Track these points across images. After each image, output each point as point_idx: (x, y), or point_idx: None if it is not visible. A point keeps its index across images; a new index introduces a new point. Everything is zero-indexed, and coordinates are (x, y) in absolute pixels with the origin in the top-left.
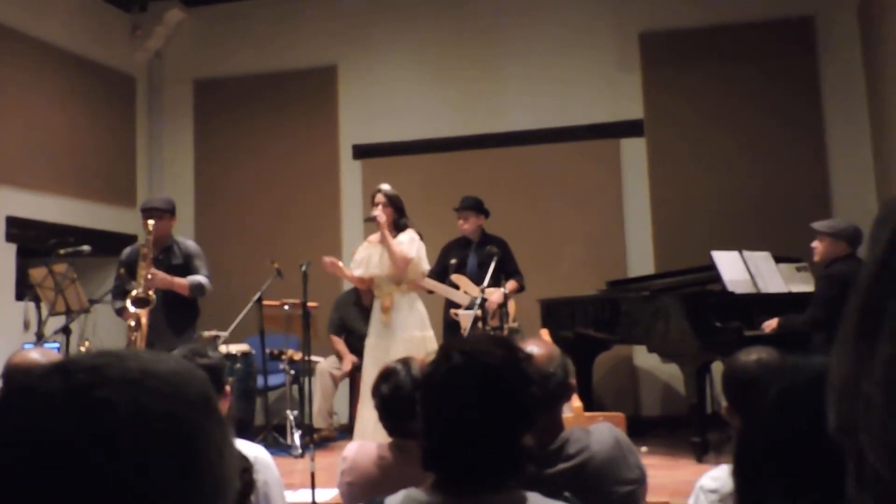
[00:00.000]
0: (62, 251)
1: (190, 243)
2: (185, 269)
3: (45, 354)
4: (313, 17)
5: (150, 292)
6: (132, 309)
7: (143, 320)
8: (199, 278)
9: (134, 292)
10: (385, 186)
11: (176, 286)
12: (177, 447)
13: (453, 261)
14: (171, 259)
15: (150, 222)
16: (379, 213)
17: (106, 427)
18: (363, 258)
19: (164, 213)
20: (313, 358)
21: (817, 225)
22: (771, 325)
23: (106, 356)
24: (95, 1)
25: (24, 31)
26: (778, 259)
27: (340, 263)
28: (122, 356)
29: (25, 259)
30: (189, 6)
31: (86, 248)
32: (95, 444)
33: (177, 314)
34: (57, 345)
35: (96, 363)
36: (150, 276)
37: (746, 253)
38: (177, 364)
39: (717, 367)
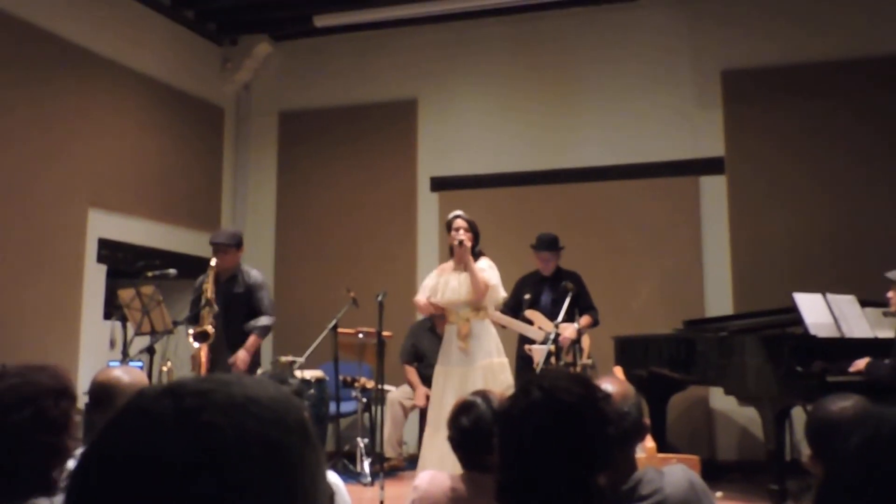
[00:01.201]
0: (150, 274)
1: (254, 273)
2: (246, 297)
3: (128, 372)
4: (395, 52)
5: (209, 328)
6: (193, 343)
7: (203, 356)
8: (262, 322)
9: (191, 330)
10: (462, 213)
11: (253, 350)
12: (277, 470)
13: (527, 296)
14: (233, 288)
15: (213, 261)
16: (466, 237)
17: (212, 449)
18: (434, 285)
19: (229, 247)
20: (385, 387)
21: (891, 274)
22: (858, 365)
23: (212, 382)
24: (189, 34)
25: (121, 62)
26: (864, 303)
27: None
28: (227, 382)
29: (113, 280)
30: (277, 40)
31: (172, 271)
32: (202, 465)
33: (236, 334)
34: (140, 364)
35: (204, 388)
36: (233, 362)
37: (830, 296)
38: (276, 391)
39: (797, 413)
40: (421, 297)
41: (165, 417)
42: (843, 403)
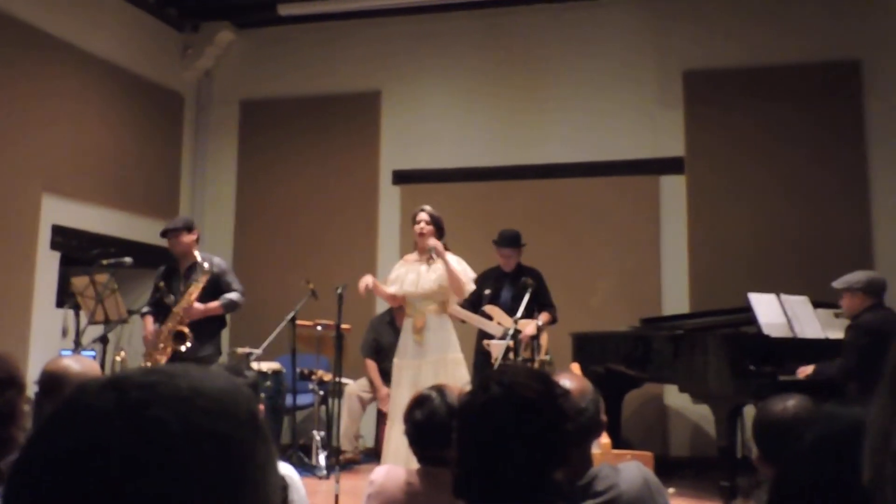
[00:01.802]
0: (104, 262)
1: (217, 259)
2: (212, 284)
3: (79, 362)
4: (359, 43)
5: (187, 329)
6: (180, 348)
7: (164, 358)
8: (231, 296)
9: (144, 310)
10: (427, 207)
11: (211, 312)
12: (224, 465)
13: (487, 291)
14: (196, 276)
15: (206, 265)
16: (436, 243)
17: (157, 444)
18: (397, 276)
19: (178, 231)
20: (343, 380)
21: (836, 283)
22: (806, 371)
23: (158, 374)
24: (149, 19)
25: (79, 45)
26: (816, 304)
27: (373, 281)
28: (173, 374)
29: (67, 267)
30: (239, 28)
31: (127, 259)
32: (147, 461)
33: (202, 324)
34: (93, 353)
35: (149, 381)
36: (186, 307)
37: (784, 296)
38: (225, 382)
39: (749, 410)
40: (391, 289)
41: (108, 412)
42: (784, 404)
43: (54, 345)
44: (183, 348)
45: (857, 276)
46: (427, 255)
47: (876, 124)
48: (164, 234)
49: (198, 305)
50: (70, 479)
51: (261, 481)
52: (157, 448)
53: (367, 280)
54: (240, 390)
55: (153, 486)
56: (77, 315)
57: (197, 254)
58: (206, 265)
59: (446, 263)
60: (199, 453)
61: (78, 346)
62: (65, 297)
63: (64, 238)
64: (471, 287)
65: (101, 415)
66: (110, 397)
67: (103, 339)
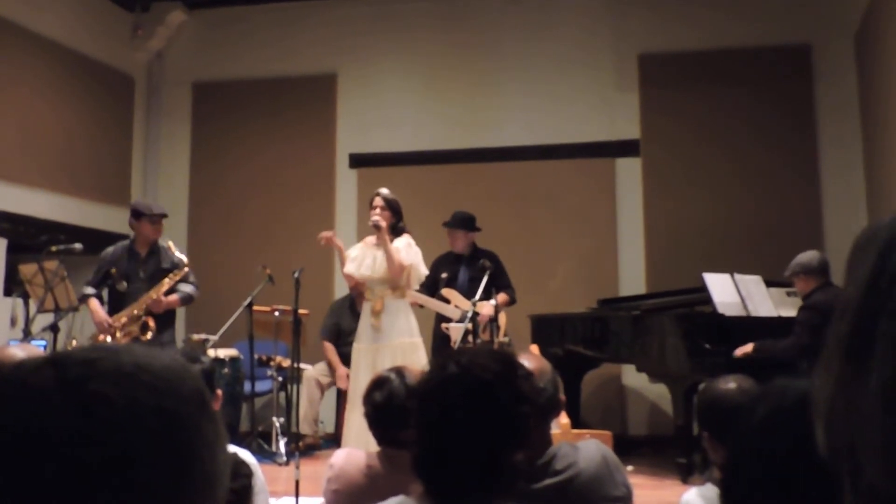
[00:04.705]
0: (54, 248)
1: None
2: (166, 274)
3: (27, 350)
4: (315, 25)
5: (152, 322)
6: (142, 337)
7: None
8: (188, 289)
9: (126, 314)
10: (384, 191)
11: (172, 306)
12: (169, 442)
13: (444, 275)
14: (159, 263)
15: (185, 261)
16: (379, 218)
17: (99, 420)
18: (356, 257)
19: (163, 219)
20: (301, 365)
21: (787, 273)
22: (746, 349)
23: (100, 350)
24: None
25: (24, 25)
26: (769, 283)
27: (333, 234)
28: (115, 351)
29: (15, 255)
30: (191, 8)
31: (77, 246)
32: (88, 438)
33: (156, 317)
34: (44, 342)
35: (90, 357)
36: (154, 299)
37: (738, 276)
38: (171, 360)
39: None
40: (349, 268)
41: (47, 388)
42: (728, 384)
43: (3, 334)
44: (144, 339)
45: (802, 259)
46: (381, 244)
47: (825, 105)
48: (163, 216)
49: (162, 299)
50: (6, 458)
51: (208, 458)
52: (99, 423)
53: (326, 232)
54: (186, 368)
55: (96, 465)
56: (26, 303)
57: (171, 244)
58: (183, 258)
59: (384, 243)
60: (143, 430)
61: (27, 336)
62: (13, 285)
63: (11, 224)
64: (419, 273)
65: (38, 392)
66: (49, 374)
67: (53, 328)
